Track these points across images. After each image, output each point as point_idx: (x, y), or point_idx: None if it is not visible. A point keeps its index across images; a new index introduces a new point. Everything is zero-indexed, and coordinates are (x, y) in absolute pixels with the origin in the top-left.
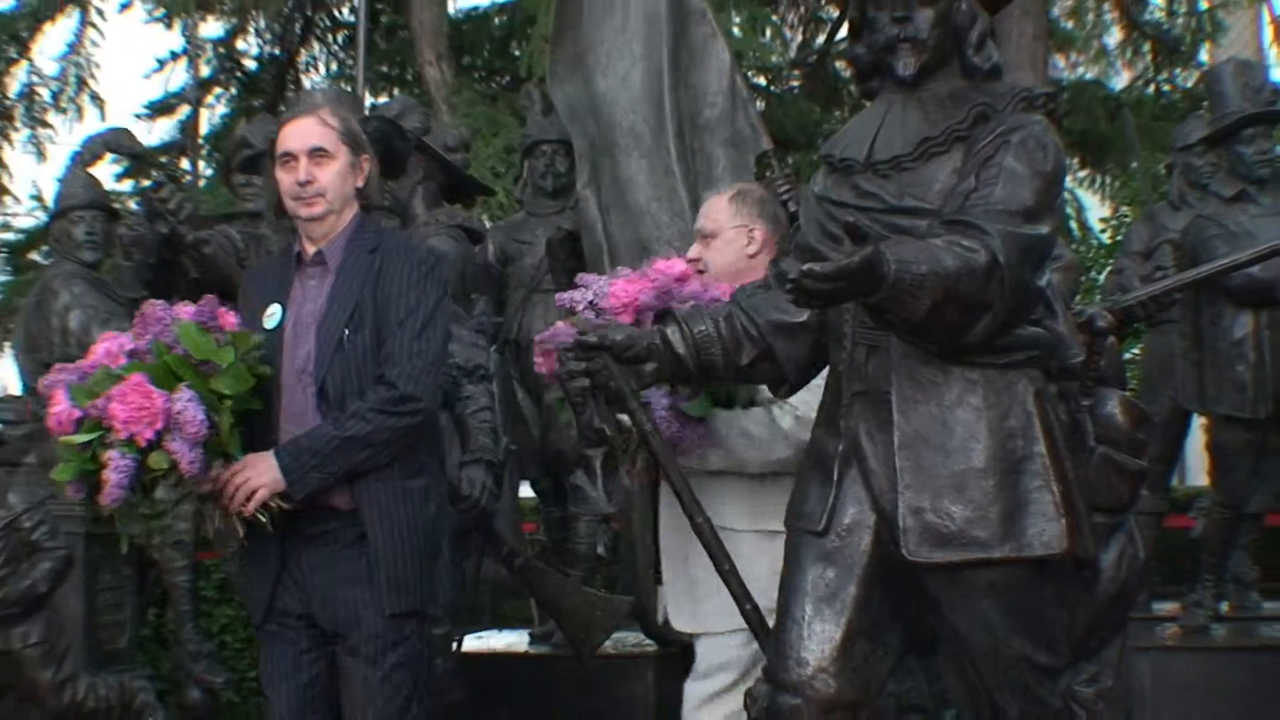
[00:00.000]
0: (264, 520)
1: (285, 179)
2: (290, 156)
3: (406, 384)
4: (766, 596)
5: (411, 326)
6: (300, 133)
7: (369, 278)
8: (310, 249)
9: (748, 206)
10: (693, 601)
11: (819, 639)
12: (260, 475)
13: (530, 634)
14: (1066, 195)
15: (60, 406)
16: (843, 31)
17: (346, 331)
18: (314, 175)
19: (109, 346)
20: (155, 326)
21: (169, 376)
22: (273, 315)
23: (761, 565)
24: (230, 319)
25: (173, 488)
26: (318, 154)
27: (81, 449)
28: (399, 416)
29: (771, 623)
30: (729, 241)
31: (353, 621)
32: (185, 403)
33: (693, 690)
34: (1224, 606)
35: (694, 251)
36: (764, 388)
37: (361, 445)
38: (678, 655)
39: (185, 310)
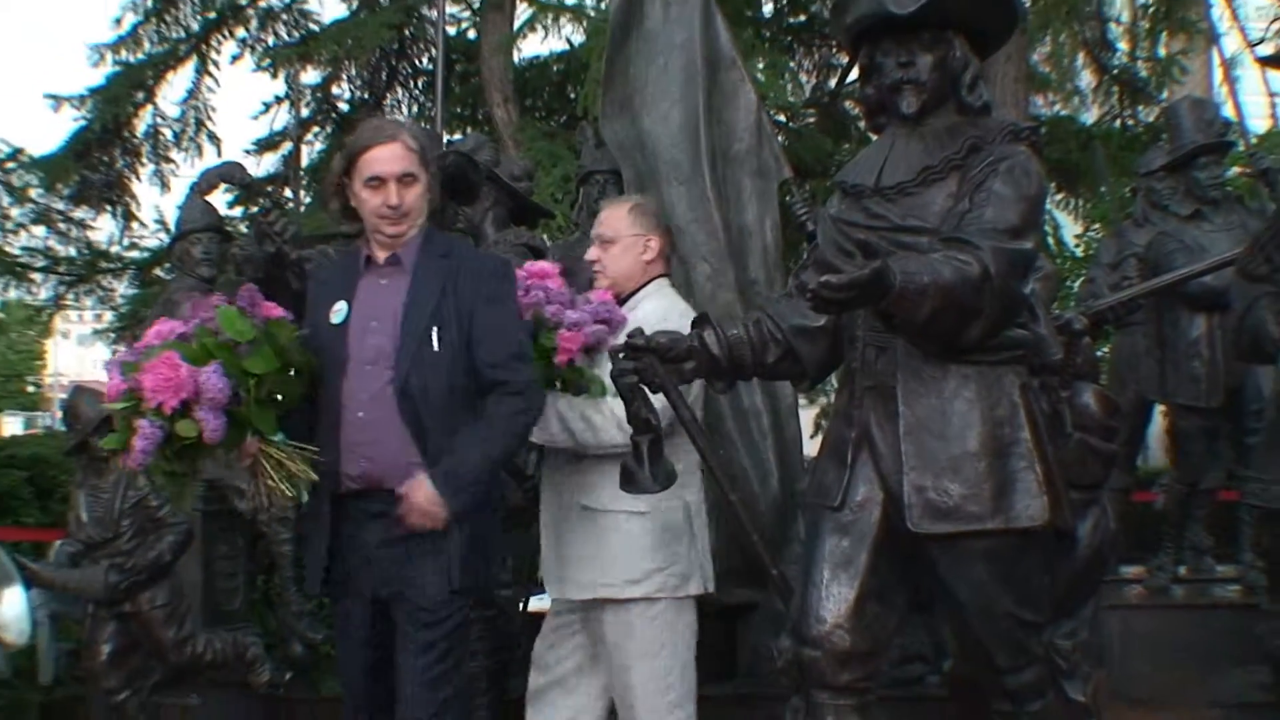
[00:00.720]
0: (302, 492)
1: (373, 200)
2: (379, 180)
3: (529, 396)
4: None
5: (509, 334)
6: (389, 158)
7: (446, 280)
8: (381, 254)
9: (645, 218)
10: (560, 569)
11: (836, 599)
12: (416, 501)
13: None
14: (1046, 215)
15: (113, 380)
16: (851, 75)
17: (436, 329)
18: (403, 198)
19: (160, 329)
20: (206, 313)
21: (203, 355)
22: (339, 311)
23: (633, 539)
24: (274, 310)
25: (204, 454)
26: (406, 178)
27: (122, 417)
28: (527, 418)
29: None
30: (627, 248)
31: (418, 592)
32: (209, 374)
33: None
34: (1182, 570)
35: (592, 254)
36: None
37: (506, 458)
38: (713, 614)
39: (239, 297)
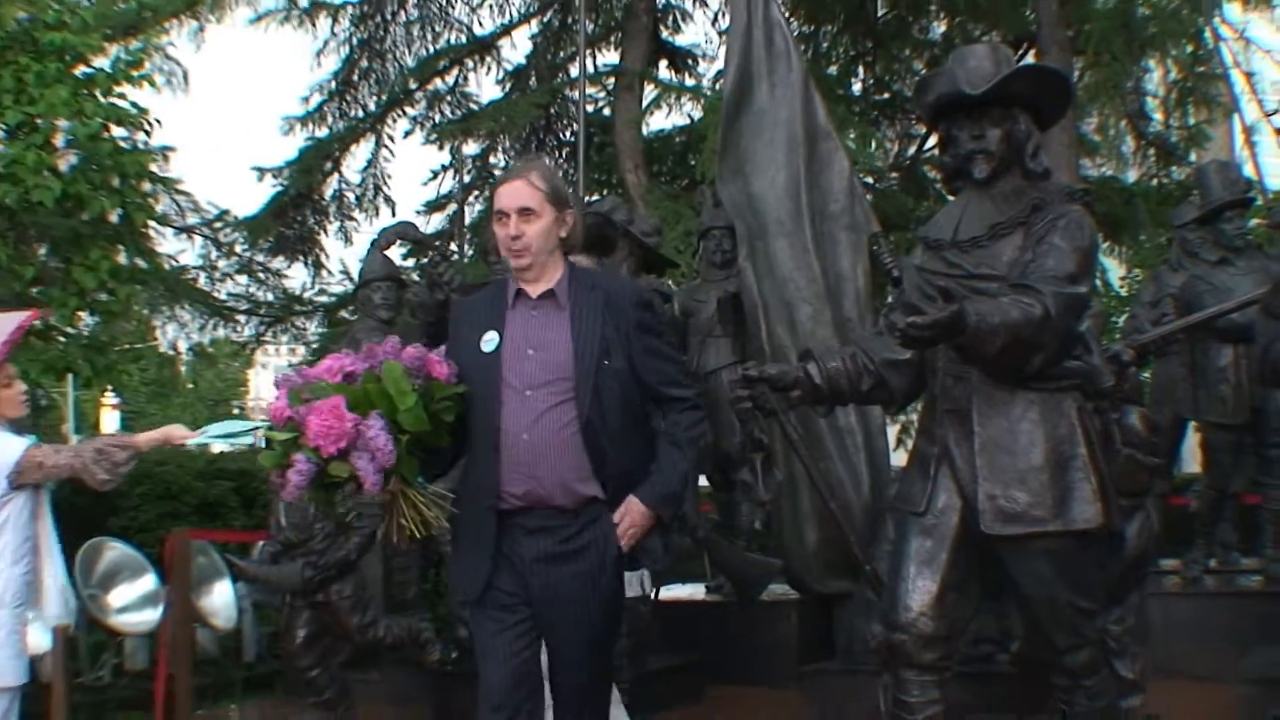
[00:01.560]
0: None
1: (500, 232)
2: (503, 214)
3: (701, 408)
4: None
5: (668, 354)
6: (510, 193)
7: (603, 309)
8: (532, 289)
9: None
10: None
11: (920, 591)
12: (635, 519)
13: (706, 586)
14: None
15: (279, 403)
16: (929, 144)
17: (606, 361)
18: (521, 230)
19: (331, 364)
20: (376, 358)
21: (364, 403)
22: (490, 340)
23: None
24: (441, 370)
25: (349, 495)
26: (525, 212)
27: (282, 444)
28: (703, 427)
29: None
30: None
31: (579, 611)
32: (377, 430)
33: None
34: (1212, 563)
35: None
36: None
37: (695, 465)
38: (815, 601)
39: (408, 352)
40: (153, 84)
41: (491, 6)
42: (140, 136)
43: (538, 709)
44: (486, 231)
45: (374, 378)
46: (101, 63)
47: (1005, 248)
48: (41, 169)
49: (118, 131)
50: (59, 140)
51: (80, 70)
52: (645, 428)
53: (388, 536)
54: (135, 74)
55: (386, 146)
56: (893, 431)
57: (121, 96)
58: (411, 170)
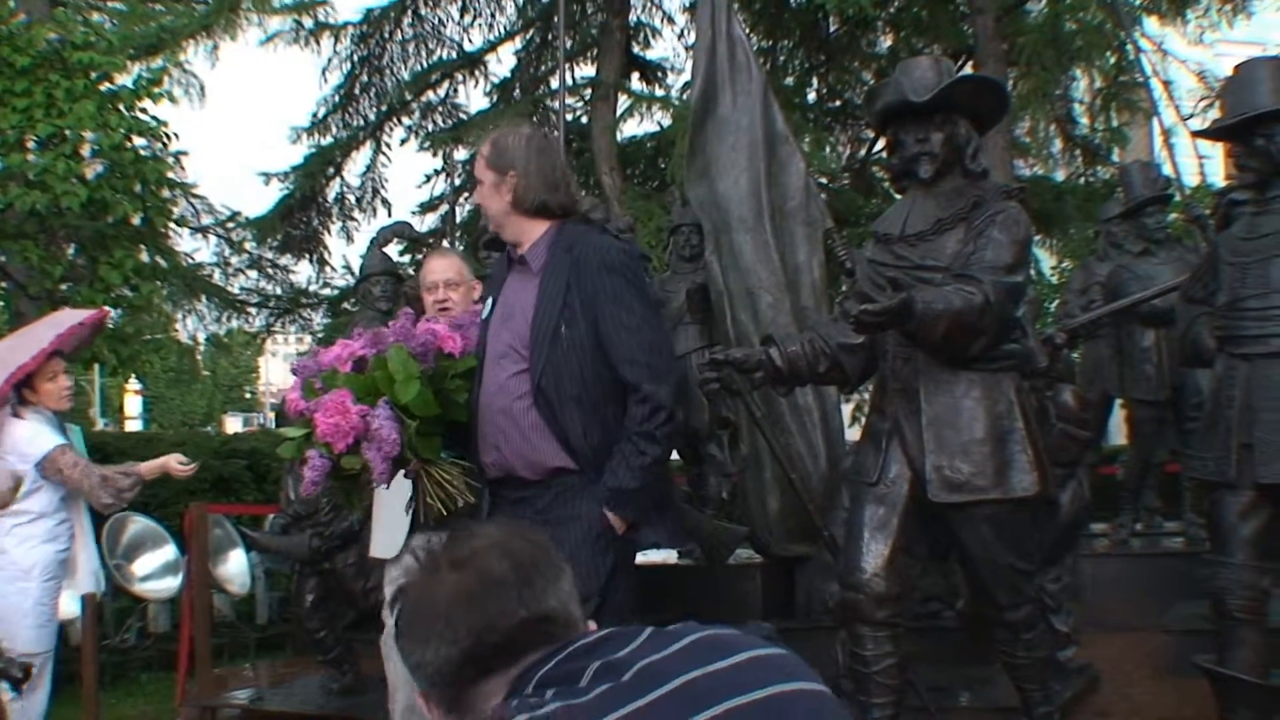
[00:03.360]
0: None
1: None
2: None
3: (658, 396)
4: None
5: (636, 330)
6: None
7: (570, 274)
8: (518, 251)
9: (468, 266)
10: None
11: (873, 554)
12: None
13: (678, 552)
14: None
15: (294, 394)
16: (878, 148)
17: (564, 328)
18: (449, 297)
19: (340, 352)
20: (385, 342)
21: (372, 391)
22: (486, 307)
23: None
24: (454, 344)
25: (366, 485)
26: (477, 181)
27: (296, 440)
28: (659, 419)
29: None
30: (471, 287)
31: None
32: (382, 420)
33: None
34: (1139, 526)
35: (441, 296)
36: None
37: (656, 460)
38: (777, 564)
39: (421, 328)
40: (172, 99)
41: (480, 25)
42: (160, 146)
43: None
44: (479, 231)
45: (382, 363)
46: (125, 80)
47: (948, 241)
48: (70, 177)
49: (139, 141)
50: (86, 150)
51: (106, 87)
52: (624, 400)
53: (417, 514)
54: (156, 91)
55: (384, 153)
56: (847, 409)
57: (143, 111)
58: (407, 174)
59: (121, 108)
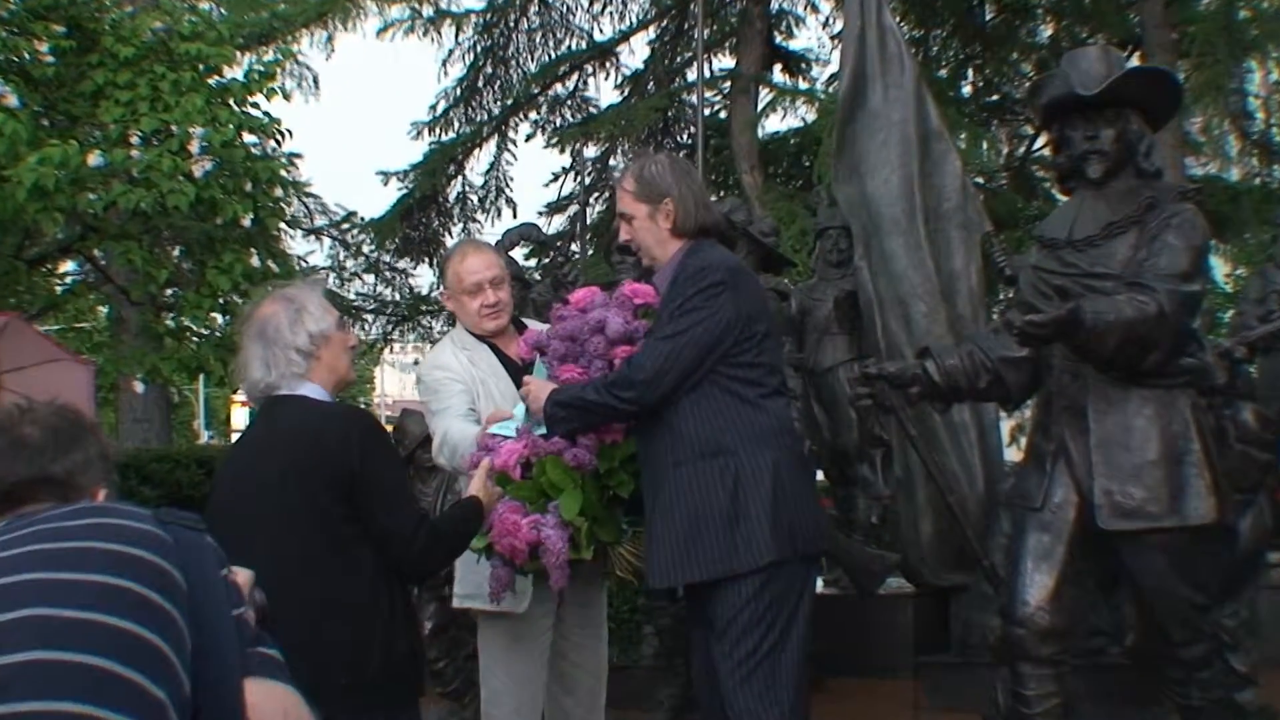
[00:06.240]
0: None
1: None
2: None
3: (635, 372)
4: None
5: (663, 329)
6: (619, 198)
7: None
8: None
9: (502, 257)
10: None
11: (1038, 586)
12: (534, 400)
13: (823, 580)
14: None
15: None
16: (1038, 144)
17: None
18: (630, 234)
19: (506, 459)
20: (540, 450)
21: (540, 495)
22: None
23: None
24: (615, 436)
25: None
26: (625, 217)
27: (480, 549)
28: (618, 400)
29: None
30: (512, 284)
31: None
32: (549, 529)
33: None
34: None
35: (491, 297)
36: None
37: (584, 411)
38: (931, 594)
39: (582, 444)
40: (285, 95)
41: (611, 13)
42: (272, 145)
43: None
44: (612, 233)
45: (544, 468)
46: (235, 74)
47: (1120, 246)
48: (176, 174)
49: (250, 139)
50: (194, 147)
51: (215, 80)
52: (699, 416)
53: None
54: (269, 86)
55: (509, 150)
56: (1005, 428)
57: (255, 106)
58: (533, 173)
59: (232, 102)
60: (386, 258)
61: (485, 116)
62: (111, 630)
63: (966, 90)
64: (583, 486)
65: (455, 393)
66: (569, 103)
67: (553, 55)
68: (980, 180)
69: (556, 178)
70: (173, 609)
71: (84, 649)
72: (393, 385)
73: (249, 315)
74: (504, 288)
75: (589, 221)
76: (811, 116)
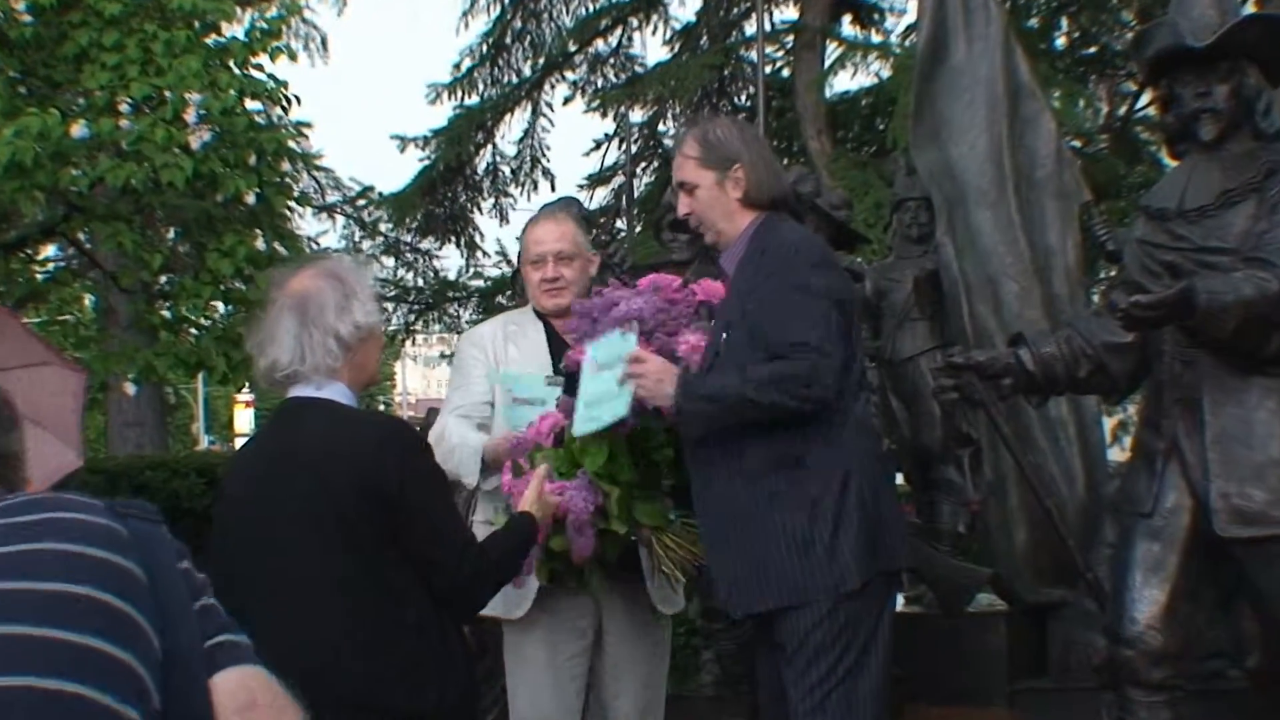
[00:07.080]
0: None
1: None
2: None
3: (809, 372)
4: None
5: (799, 327)
6: (676, 166)
7: (754, 277)
8: (717, 255)
9: (584, 233)
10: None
11: (1148, 601)
12: (656, 384)
13: (905, 597)
14: None
15: (506, 477)
16: (1143, 102)
17: (724, 335)
18: (691, 207)
19: (540, 427)
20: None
21: (571, 462)
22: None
23: None
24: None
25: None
26: (685, 187)
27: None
28: (798, 401)
29: None
30: (589, 261)
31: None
32: (573, 491)
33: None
34: None
35: (551, 271)
36: None
37: (754, 408)
38: (1026, 612)
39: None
40: (291, 55)
41: None
42: (278, 112)
43: None
44: (662, 209)
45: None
46: (236, 31)
47: (1237, 217)
48: (171, 146)
49: (253, 105)
50: (190, 115)
51: (213, 39)
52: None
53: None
54: (273, 45)
55: (544, 115)
56: (1109, 423)
57: (258, 68)
58: (572, 141)
59: (232, 64)
60: (407, 238)
61: (516, 78)
62: (71, 647)
63: (1061, 42)
64: (613, 446)
65: (475, 378)
66: (611, 61)
67: (591, 8)
68: (1078, 144)
69: (598, 146)
70: (138, 616)
71: (41, 672)
72: (415, 382)
73: (283, 284)
74: (571, 264)
75: (636, 195)
76: (886, 74)
